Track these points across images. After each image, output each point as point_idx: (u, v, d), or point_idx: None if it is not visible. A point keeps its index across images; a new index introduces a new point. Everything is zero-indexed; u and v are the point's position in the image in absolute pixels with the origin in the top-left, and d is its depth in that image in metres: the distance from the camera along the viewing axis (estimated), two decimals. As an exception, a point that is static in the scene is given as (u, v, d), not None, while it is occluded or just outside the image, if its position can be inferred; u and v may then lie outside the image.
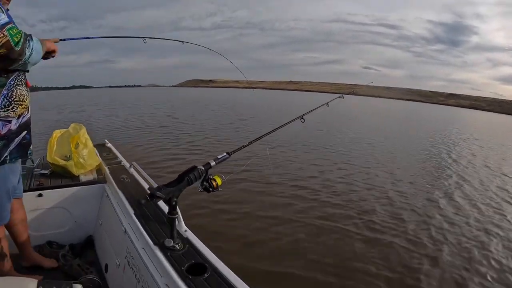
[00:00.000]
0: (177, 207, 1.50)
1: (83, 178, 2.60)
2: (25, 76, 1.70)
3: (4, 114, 1.61)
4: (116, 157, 2.95)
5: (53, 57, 1.87)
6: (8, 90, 1.61)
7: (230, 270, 1.35)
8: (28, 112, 1.74)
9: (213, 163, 1.54)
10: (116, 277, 2.08)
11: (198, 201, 4.72)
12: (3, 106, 1.61)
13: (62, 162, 2.55)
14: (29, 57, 1.58)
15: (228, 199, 5.30)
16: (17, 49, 1.50)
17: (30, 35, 1.58)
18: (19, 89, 1.66)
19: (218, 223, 4.48)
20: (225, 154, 1.62)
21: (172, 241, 1.51)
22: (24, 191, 2.32)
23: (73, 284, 1.34)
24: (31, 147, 1.84)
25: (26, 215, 2.17)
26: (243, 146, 1.76)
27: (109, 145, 3.37)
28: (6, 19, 1.52)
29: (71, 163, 2.55)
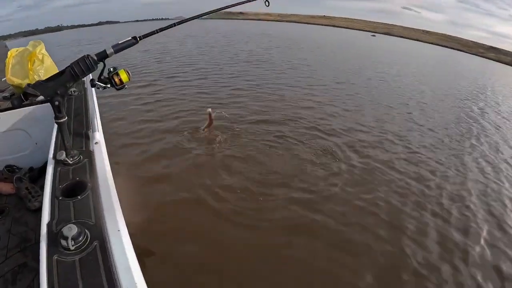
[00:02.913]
0: (63, 109, 1.21)
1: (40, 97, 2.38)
2: None
3: None
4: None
5: None
6: None
7: (114, 194, 1.07)
8: None
9: (110, 51, 1.22)
10: None
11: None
12: None
13: (17, 81, 2.35)
14: None
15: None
16: None
17: None
18: None
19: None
20: (130, 38, 1.26)
21: (63, 154, 1.24)
22: None
23: None
24: None
25: None
26: (157, 30, 1.40)
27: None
28: None
29: (27, 81, 2.32)
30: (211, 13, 1.63)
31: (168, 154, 4.17)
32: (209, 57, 13.09)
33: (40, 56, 2.35)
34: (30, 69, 2.33)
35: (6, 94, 2.53)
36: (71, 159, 1.24)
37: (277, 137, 4.97)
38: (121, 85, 1.23)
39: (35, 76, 2.30)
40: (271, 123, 5.57)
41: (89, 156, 1.30)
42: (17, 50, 2.47)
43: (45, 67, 2.37)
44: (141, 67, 9.90)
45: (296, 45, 20.91)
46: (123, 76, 1.23)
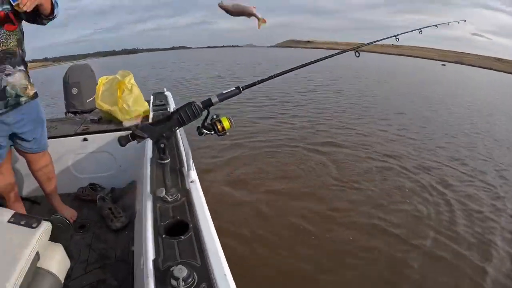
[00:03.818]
0: (167, 151, 1.29)
1: (126, 124, 2.61)
2: None
3: None
4: (167, 104, 2.86)
5: None
6: None
7: (215, 235, 1.12)
8: None
9: (215, 100, 1.28)
10: (138, 223, 2.06)
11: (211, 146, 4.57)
12: None
13: (106, 107, 2.60)
14: None
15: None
16: None
17: None
18: None
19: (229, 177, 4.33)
20: (234, 88, 1.33)
21: (163, 191, 1.32)
22: (71, 135, 2.58)
23: (43, 221, 1.30)
24: None
25: (48, 166, 2.30)
26: (258, 80, 1.47)
27: (167, 93, 3.31)
28: None
29: (116, 108, 2.57)
30: (311, 64, 1.67)
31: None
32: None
33: (129, 86, 2.56)
34: (120, 97, 2.54)
35: (95, 117, 2.79)
36: (170, 197, 1.32)
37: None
38: (223, 132, 1.30)
39: (124, 105, 2.51)
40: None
41: (187, 194, 1.35)
42: (107, 78, 2.70)
43: (134, 96, 2.57)
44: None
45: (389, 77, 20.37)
46: (225, 123, 1.29)
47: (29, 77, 2.00)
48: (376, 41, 2.20)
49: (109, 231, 2.27)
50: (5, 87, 1.84)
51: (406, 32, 2.36)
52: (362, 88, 14.22)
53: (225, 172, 4.69)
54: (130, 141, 1.27)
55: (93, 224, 2.35)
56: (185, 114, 1.25)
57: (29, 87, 1.99)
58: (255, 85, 1.42)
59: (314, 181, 4.54)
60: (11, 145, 2.13)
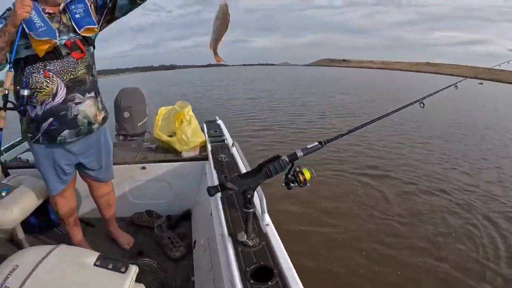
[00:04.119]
0: (254, 200, 1.36)
1: (185, 155, 2.68)
2: (44, 65, 1.74)
3: (30, 99, 1.77)
4: (222, 135, 2.93)
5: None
6: (26, 77, 1.74)
7: (299, 281, 1.17)
8: (53, 100, 1.79)
9: (300, 154, 1.34)
10: (199, 255, 2.12)
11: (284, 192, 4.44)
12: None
13: (165, 138, 2.67)
14: None
15: (320, 196, 4.84)
16: None
17: None
18: (35, 76, 1.73)
19: (304, 221, 4.16)
20: (317, 143, 1.40)
21: (245, 236, 1.38)
22: (130, 163, 2.66)
23: (130, 265, 1.36)
24: (64, 134, 1.88)
25: (110, 193, 2.39)
26: (340, 135, 1.53)
27: (219, 122, 3.39)
28: None
29: (175, 139, 2.64)
30: (384, 117, 1.70)
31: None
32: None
33: (187, 117, 2.63)
34: (178, 128, 2.61)
35: (152, 145, 2.88)
36: (251, 241, 1.38)
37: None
38: (304, 183, 1.35)
39: (183, 136, 2.58)
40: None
41: (265, 238, 1.39)
42: (166, 109, 2.80)
43: (192, 127, 2.64)
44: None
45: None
46: (307, 175, 1.33)
47: (99, 101, 2.03)
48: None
49: (168, 260, 2.32)
50: (76, 116, 1.87)
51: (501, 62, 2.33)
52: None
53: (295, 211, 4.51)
54: (219, 192, 1.34)
55: (150, 251, 2.41)
56: (273, 168, 1.30)
57: (98, 112, 2.01)
58: (336, 139, 1.48)
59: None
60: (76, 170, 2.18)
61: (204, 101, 17.46)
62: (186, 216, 2.72)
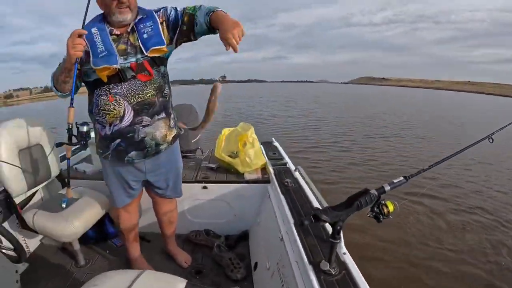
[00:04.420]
0: (342, 232, 1.38)
1: (247, 176, 2.70)
2: (109, 88, 1.74)
3: (100, 119, 1.81)
4: (282, 158, 2.97)
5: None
6: (96, 99, 1.77)
7: None
8: (120, 122, 1.78)
9: (387, 188, 1.37)
10: (262, 278, 2.12)
11: (362, 222, 4.23)
12: (97, 111, 1.80)
13: (228, 159, 2.70)
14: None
15: (399, 228, 4.66)
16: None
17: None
18: (103, 99, 1.75)
19: (381, 252, 4.07)
20: (402, 178, 1.42)
21: (328, 265, 1.41)
22: (191, 182, 2.68)
23: None
24: (131, 154, 1.89)
25: (173, 211, 2.42)
26: (422, 169, 1.53)
27: (276, 144, 3.45)
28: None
29: (237, 161, 2.67)
30: (460, 152, 1.71)
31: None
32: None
33: (251, 139, 2.68)
34: (241, 149, 2.66)
35: (212, 166, 2.93)
36: (333, 270, 1.40)
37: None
38: (387, 215, 1.36)
39: (247, 158, 2.62)
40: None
41: (345, 267, 1.41)
42: (229, 130, 2.86)
43: (255, 150, 2.69)
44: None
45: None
46: (390, 207, 1.35)
47: (171, 119, 1.97)
48: None
49: (228, 281, 2.32)
50: (143, 138, 1.84)
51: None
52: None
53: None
54: (312, 222, 1.36)
55: (209, 270, 2.43)
56: (364, 201, 1.33)
57: (168, 132, 1.96)
58: (419, 173, 1.50)
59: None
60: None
61: (245, 116, 17.74)
62: (244, 237, 2.74)
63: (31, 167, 2.29)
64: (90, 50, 1.67)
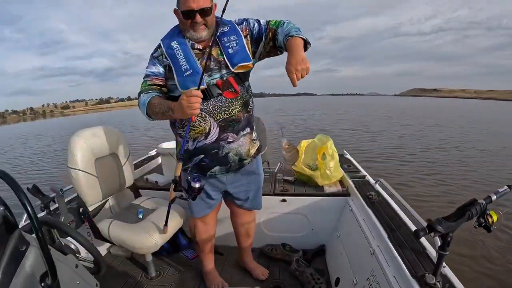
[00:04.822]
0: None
1: (327, 189, 2.64)
2: None
3: (183, 133, 1.78)
4: (358, 171, 2.90)
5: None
6: None
7: None
8: (205, 139, 1.77)
9: (494, 197, 1.31)
10: None
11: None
12: (180, 126, 1.83)
13: (309, 172, 2.67)
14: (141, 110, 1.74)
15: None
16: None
17: (145, 92, 1.73)
18: None
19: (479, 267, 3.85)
20: (506, 187, 1.35)
21: (434, 278, 1.35)
22: (269, 195, 2.62)
23: None
24: (214, 169, 1.88)
25: (251, 223, 2.36)
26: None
27: (348, 156, 3.40)
28: (147, 72, 1.76)
29: (318, 173, 2.63)
30: None
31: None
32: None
33: (330, 151, 2.64)
34: (320, 162, 2.63)
35: (290, 178, 2.90)
36: (439, 284, 1.34)
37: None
38: (491, 225, 1.30)
39: (327, 171, 2.59)
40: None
41: (448, 280, 1.36)
42: (307, 142, 2.83)
43: (335, 162, 2.65)
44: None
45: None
46: (494, 217, 1.30)
47: (253, 133, 1.94)
48: None
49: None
50: (227, 154, 1.81)
51: None
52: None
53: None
54: (427, 234, 1.32)
55: (288, 286, 2.35)
56: (474, 211, 1.28)
57: (252, 147, 1.92)
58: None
59: None
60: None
61: (302, 130, 17.74)
62: (320, 251, 2.67)
63: (106, 177, 2.29)
64: (172, 66, 1.68)
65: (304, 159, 2.81)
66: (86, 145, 2.15)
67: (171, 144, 3.01)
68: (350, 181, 2.62)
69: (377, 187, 2.47)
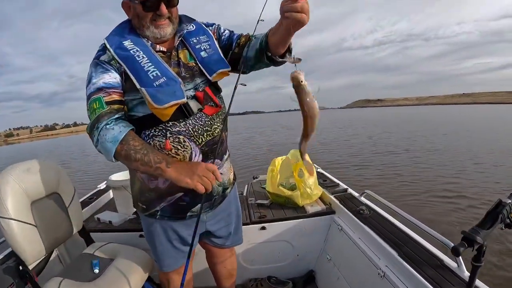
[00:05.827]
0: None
1: (309, 209, 2.36)
2: (166, 128, 1.30)
3: None
4: (337, 184, 2.68)
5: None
6: (147, 141, 1.31)
7: None
8: None
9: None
10: None
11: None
12: None
13: (287, 193, 2.40)
14: (96, 146, 1.22)
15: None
16: (88, 131, 1.23)
17: (107, 119, 1.19)
18: (159, 141, 1.31)
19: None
20: None
21: None
22: (247, 224, 2.29)
23: None
24: (195, 209, 1.45)
25: (232, 257, 1.95)
26: None
27: (321, 170, 3.15)
28: (99, 85, 1.22)
29: (297, 193, 2.38)
30: None
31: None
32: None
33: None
34: (299, 180, 2.39)
35: (265, 202, 2.57)
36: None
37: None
38: None
39: (307, 189, 2.35)
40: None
41: None
42: (281, 159, 2.61)
43: (314, 179, 2.42)
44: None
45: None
46: None
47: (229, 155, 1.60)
48: None
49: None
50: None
51: None
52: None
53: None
54: (467, 248, 1.15)
55: None
56: (505, 213, 1.15)
57: (230, 172, 1.59)
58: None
59: None
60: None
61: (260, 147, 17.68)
62: (309, 278, 2.42)
63: (47, 224, 1.75)
64: (131, 74, 1.22)
65: (279, 179, 2.56)
66: (18, 186, 1.62)
67: (122, 176, 2.58)
68: (332, 197, 2.40)
69: (363, 199, 2.30)
